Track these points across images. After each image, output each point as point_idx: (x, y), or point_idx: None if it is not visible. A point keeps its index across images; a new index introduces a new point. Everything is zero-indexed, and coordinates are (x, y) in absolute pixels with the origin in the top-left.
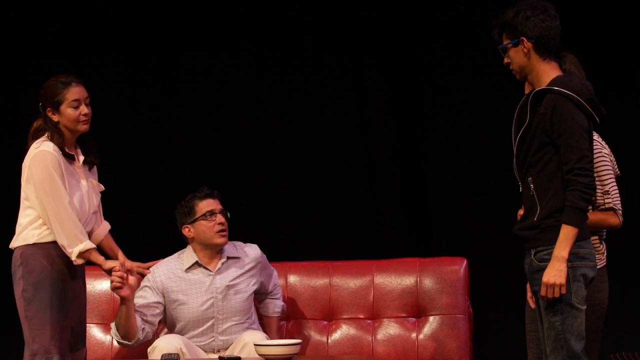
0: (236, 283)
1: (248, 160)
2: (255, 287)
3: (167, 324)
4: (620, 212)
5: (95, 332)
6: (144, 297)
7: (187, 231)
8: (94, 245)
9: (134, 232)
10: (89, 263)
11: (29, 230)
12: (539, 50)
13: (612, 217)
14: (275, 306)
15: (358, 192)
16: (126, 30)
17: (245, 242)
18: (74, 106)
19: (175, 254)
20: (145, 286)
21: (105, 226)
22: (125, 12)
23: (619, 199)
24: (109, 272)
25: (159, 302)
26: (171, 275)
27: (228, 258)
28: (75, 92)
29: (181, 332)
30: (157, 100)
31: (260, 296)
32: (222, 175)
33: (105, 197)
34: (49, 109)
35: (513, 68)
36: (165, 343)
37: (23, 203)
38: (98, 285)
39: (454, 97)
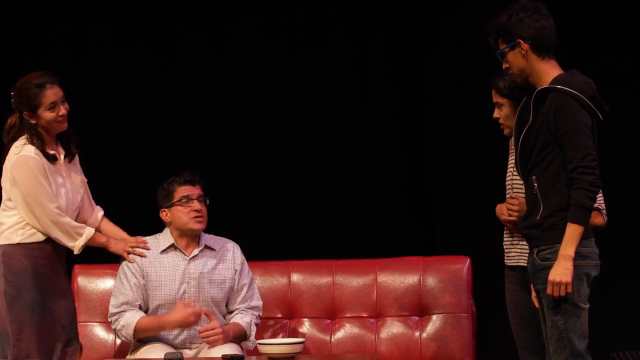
0: (211, 273)
1: (252, 157)
2: (229, 285)
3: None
4: (605, 211)
5: (97, 331)
6: (126, 294)
7: (165, 215)
8: (93, 230)
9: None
10: (78, 261)
11: (13, 229)
12: (536, 50)
13: (597, 217)
14: (245, 317)
15: (361, 191)
16: (116, 9)
17: (247, 240)
18: (50, 108)
19: (152, 236)
20: (126, 273)
21: (98, 212)
22: None
23: (602, 198)
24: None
25: (143, 285)
26: (148, 255)
27: (205, 246)
28: (50, 94)
29: (155, 312)
30: (159, 93)
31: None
32: (225, 172)
33: (105, 183)
34: (25, 112)
35: (513, 72)
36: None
37: (5, 204)
38: (101, 284)
39: (458, 97)
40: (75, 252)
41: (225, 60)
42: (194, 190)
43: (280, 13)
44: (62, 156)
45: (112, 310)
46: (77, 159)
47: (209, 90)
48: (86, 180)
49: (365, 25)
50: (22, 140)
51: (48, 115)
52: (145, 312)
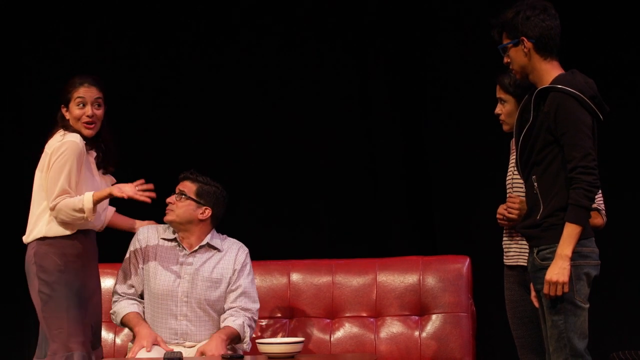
0: (208, 271)
1: (252, 157)
2: (226, 285)
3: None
4: (604, 212)
5: None
6: (126, 278)
7: None
8: (90, 193)
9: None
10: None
11: (40, 223)
12: (539, 50)
13: (596, 218)
14: (237, 319)
15: (361, 191)
16: (130, 15)
17: (247, 240)
18: (78, 104)
19: (166, 225)
20: (130, 252)
21: (110, 210)
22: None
23: (602, 199)
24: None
25: (142, 268)
26: (151, 239)
27: (208, 245)
28: (83, 91)
29: (147, 308)
30: (162, 96)
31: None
32: (226, 172)
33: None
34: (62, 105)
35: (513, 68)
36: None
37: (37, 194)
38: (101, 284)
39: (458, 96)
40: (89, 219)
41: (226, 67)
42: (179, 186)
43: (281, 16)
44: (92, 155)
45: (115, 289)
46: (110, 176)
47: (211, 94)
48: (115, 181)
49: (365, 27)
50: (61, 131)
51: (75, 111)
52: (141, 296)
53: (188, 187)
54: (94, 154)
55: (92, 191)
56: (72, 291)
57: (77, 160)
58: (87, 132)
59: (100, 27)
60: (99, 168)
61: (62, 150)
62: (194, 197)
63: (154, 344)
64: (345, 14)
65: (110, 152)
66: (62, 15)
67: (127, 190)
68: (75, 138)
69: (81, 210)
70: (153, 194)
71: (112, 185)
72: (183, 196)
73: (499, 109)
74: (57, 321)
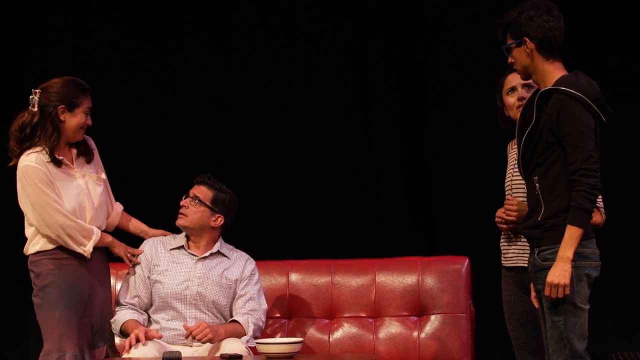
0: (217, 276)
1: (251, 157)
2: (234, 291)
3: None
4: (603, 210)
5: None
6: (129, 288)
7: None
8: (100, 233)
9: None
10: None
11: (34, 240)
12: (542, 51)
13: (595, 215)
14: (244, 320)
15: (361, 191)
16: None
17: (246, 240)
18: (86, 112)
19: (172, 235)
20: (134, 269)
21: (118, 208)
22: None
23: (600, 197)
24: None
25: (148, 277)
26: (158, 249)
27: (218, 252)
28: (90, 100)
29: (156, 312)
30: (161, 96)
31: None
32: (226, 172)
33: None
34: (62, 106)
35: (516, 68)
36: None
37: (26, 216)
38: None
39: (458, 96)
40: (87, 257)
41: (225, 66)
42: (193, 189)
43: (281, 17)
44: (73, 157)
45: (117, 299)
46: (97, 158)
47: (210, 95)
48: (105, 177)
49: (365, 26)
50: (30, 150)
51: (81, 118)
52: (150, 306)
53: (204, 192)
54: (74, 151)
55: (98, 232)
56: (63, 293)
57: (43, 181)
58: (80, 137)
59: (101, 27)
60: (79, 156)
61: (25, 180)
62: (208, 204)
63: (148, 335)
64: (345, 13)
65: (85, 142)
66: (62, 17)
67: (119, 250)
68: (29, 162)
69: (82, 245)
70: (138, 261)
71: (101, 180)
72: (197, 201)
73: (521, 93)
74: (49, 324)
